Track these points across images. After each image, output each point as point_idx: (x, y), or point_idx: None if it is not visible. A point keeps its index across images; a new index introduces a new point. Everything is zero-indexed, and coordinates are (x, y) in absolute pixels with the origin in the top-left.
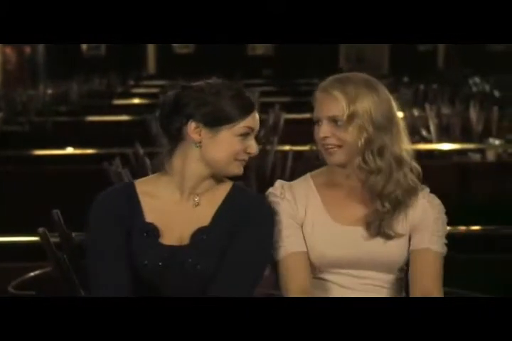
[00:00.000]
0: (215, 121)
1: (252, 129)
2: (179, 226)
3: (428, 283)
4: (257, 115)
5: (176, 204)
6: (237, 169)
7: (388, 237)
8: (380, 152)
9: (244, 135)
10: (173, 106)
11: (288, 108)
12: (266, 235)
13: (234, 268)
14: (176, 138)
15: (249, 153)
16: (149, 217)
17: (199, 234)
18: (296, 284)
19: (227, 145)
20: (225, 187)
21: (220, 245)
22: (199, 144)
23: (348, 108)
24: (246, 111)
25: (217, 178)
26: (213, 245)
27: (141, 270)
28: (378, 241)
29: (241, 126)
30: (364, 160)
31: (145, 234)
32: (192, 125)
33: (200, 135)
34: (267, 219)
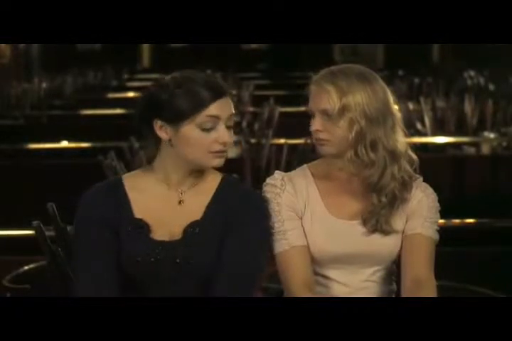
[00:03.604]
0: (174, 117)
1: (217, 117)
2: (169, 221)
3: (420, 268)
4: (224, 101)
5: (164, 199)
6: (215, 161)
7: (386, 233)
8: (373, 145)
9: (210, 126)
10: (139, 109)
11: (283, 101)
12: (260, 228)
13: (233, 266)
14: (152, 138)
15: (223, 144)
16: (138, 212)
17: (191, 228)
18: (300, 279)
19: (194, 140)
20: (215, 181)
21: (213, 238)
22: (169, 142)
23: (339, 101)
24: (208, 100)
25: (205, 172)
26: (206, 239)
27: (134, 266)
28: (376, 237)
29: (203, 115)
30: (356, 154)
31: (135, 231)
32: (157, 124)
33: (167, 133)
34: (259, 211)
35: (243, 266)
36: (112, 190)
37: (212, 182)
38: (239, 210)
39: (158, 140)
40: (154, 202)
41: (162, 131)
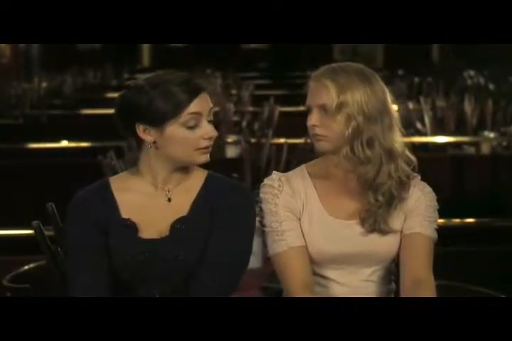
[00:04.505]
0: (157, 119)
1: (199, 114)
2: (157, 219)
3: (419, 268)
4: (202, 97)
5: (151, 197)
6: (202, 158)
7: (384, 232)
8: (370, 142)
9: (194, 123)
10: (119, 115)
11: (283, 101)
12: (246, 222)
13: (217, 259)
14: (135, 141)
15: (209, 139)
16: (125, 212)
17: (178, 224)
18: (299, 280)
19: (180, 139)
20: (200, 178)
21: (200, 234)
22: (153, 145)
23: (337, 97)
24: (186, 99)
25: (190, 168)
26: (193, 235)
27: (124, 266)
28: (375, 236)
29: (185, 114)
30: (352, 150)
31: (123, 231)
32: (140, 128)
33: (150, 135)
34: (244, 206)
35: (227, 255)
36: (100, 192)
37: (198, 179)
38: (224, 205)
39: (140, 142)
40: (141, 202)
41: (146, 133)
